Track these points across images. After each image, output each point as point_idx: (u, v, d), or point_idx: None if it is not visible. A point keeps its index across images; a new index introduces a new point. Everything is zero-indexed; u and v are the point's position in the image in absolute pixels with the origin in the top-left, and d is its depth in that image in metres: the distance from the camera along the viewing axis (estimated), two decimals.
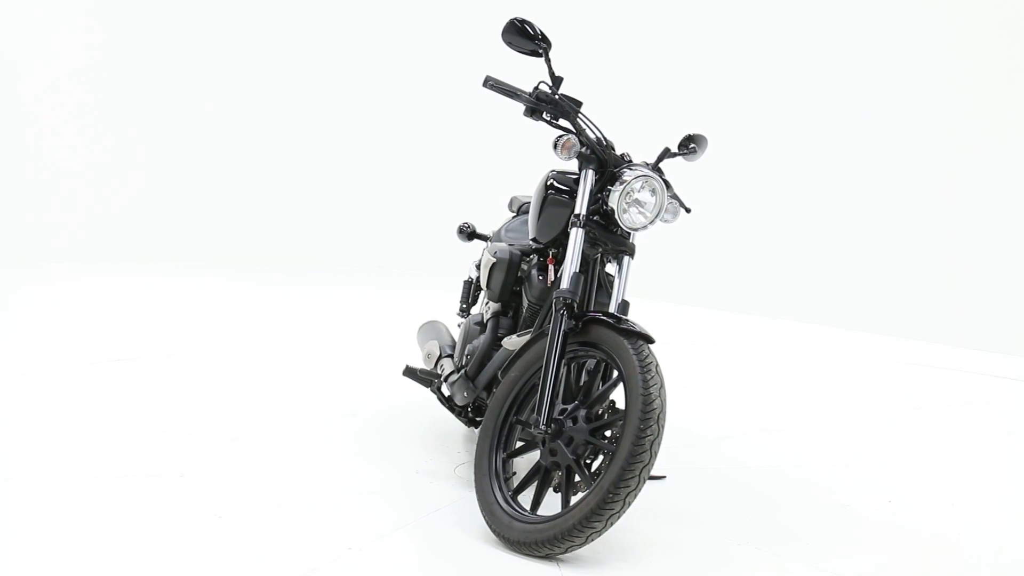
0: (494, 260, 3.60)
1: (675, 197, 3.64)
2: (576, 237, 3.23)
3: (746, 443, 4.40)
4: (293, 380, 5.02)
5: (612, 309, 3.28)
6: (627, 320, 3.08)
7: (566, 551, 2.88)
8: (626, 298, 3.33)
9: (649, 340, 3.01)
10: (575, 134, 3.32)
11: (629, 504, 2.84)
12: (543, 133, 7.60)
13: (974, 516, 3.62)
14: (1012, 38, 7.17)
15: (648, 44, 8.72)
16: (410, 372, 3.83)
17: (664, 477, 3.86)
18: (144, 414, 4.15)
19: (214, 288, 7.68)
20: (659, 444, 2.89)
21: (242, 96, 9.08)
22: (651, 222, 3.28)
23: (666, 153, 3.45)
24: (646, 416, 2.85)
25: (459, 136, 9.49)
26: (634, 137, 5.57)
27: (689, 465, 4.01)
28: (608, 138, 3.48)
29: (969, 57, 7.43)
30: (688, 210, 3.68)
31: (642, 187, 3.26)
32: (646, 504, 3.48)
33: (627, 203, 3.25)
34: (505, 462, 3.19)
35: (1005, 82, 7.23)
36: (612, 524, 2.86)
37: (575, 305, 3.15)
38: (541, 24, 3.48)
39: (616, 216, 3.22)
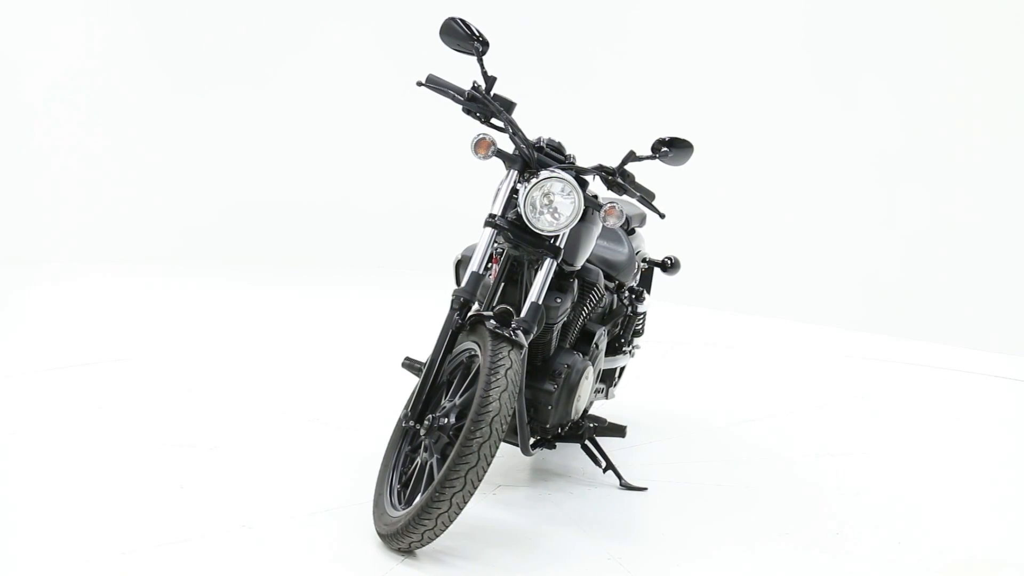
0: (459, 258, 3.69)
1: (643, 201, 3.58)
2: (484, 236, 3.30)
3: (806, 464, 4.40)
4: (297, 377, 5.30)
5: (523, 311, 3.29)
6: (505, 322, 3.10)
7: (409, 547, 3.01)
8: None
9: (515, 344, 3.02)
10: (511, 135, 3.37)
11: (458, 505, 2.91)
12: (542, 132, 7.41)
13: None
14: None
15: (652, 40, 8.65)
16: (404, 362, 3.99)
17: (645, 489, 3.79)
18: (146, 413, 4.47)
19: (215, 288, 7.89)
20: (493, 448, 2.91)
21: (242, 96, 9.28)
22: (566, 225, 3.26)
23: (631, 156, 3.44)
24: (478, 418, 2.91)
25: (459, 135, 9.23)
26: (639, 136, 5.33)
27: (711, 481, 4.08)
28: (555, 140, 3.48)
29: (964, 58, 7.37)
30: (662, 215, 3.62)
31: (563, 191, 3.25)
32: (577, 510, 3.64)
33: (542, 204, 3.26)
34: (408, 456, 3.29)
35: (1007, 81, 7.16)
36: (445, 524, 2.94)
37: (469, 303, 3.21)
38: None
39: (524, 217, 3.23)
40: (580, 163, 3.56)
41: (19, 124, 8.35)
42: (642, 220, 4.66)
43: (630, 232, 4.56)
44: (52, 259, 8.20)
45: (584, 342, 3.99)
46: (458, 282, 3.82)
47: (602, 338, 4.06)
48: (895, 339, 7.31)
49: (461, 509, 2.99)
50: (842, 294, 7.83)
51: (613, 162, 3.59)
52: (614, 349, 4.43)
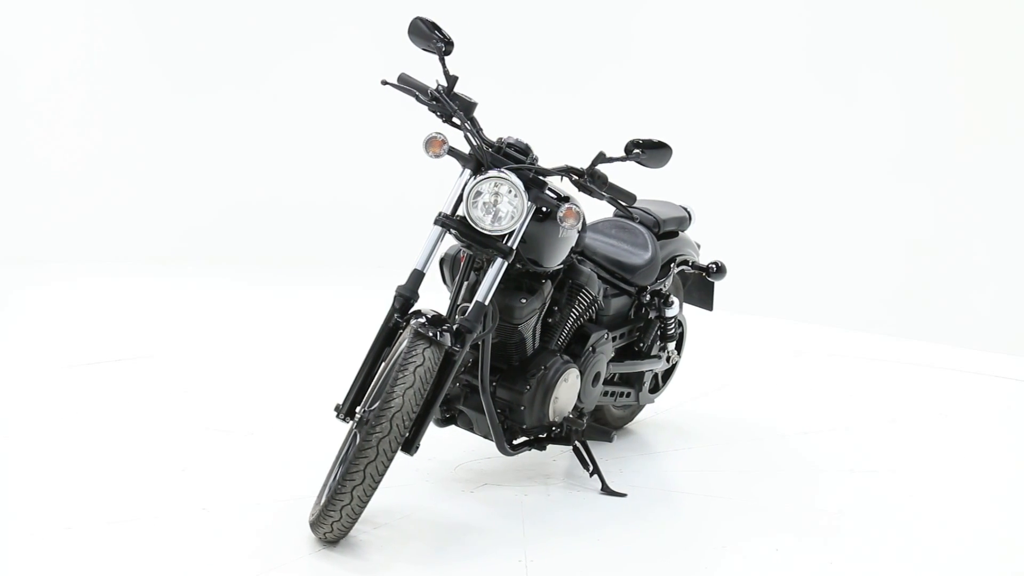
0: (443, 256, 3.73)
1: (614, 203, 3.55)
2: (430, 234, 3.35)
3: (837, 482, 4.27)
4: (299, 376, 5.39)
5: (467, 310, 3.34)
6: (438, 321, 3.20)
7: (324, 536, 3.16)
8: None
9: (433, 343, 3.07)
10: (465, 134, 3.42)
11: (360, 498, 3.02)
12: (542, 131, 7.38)
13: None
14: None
15: (656, 42, 8.47)
16: None
17: (624, 495, 3.75)
18: (147, 413, 4.63)
19: (215, 288, 7.90)
20: (393, 443, 2.97)
21: (242, 97, 9.27)
22: (508, 226, 3.27)
23: (601, 158, 3.42)
24: (379, 414, 2.99)
25: (459, 135, 8.78)
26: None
27: (711, 493, 4.03)
28: (521, 141, 3.49)
29: (967, 59, 7.19)
30: (634, 219, 3.56)
31: (508, 191, 3.28)
32: (535, 512, 3.69)
33: (485, 204, 3.29)
34: None
35: (1010, 82, 7.03)
36: (350, 516, 3.06)
37: (410, 300, 3.28)
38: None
39: (467, 216, 3.28)
40: (550, 164, 3.52)
41: (19, 124, 8.45)
42: (680, 223, 4.53)
43: (667, 235, 4.46)
44: (52, 259, 8.30)
45: (579, 344, 3.93)
46: (444, 279, 3.85)
47: (602, 341, 4.01)
48: (965, 349, 6.86)
49: (364, 502, 3.05)
50: (863, 296, 7.65)
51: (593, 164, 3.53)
52: (635, 353, 4.34)
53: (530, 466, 4.15)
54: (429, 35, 3.56)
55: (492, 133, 3.63)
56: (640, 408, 4.79)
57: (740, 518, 3.74)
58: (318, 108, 9.27)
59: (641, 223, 4.43)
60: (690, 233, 4.77)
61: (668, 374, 4.78)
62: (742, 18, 8.06)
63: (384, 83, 3.59)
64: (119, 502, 3.49)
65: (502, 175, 3.34)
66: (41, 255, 8.30)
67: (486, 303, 3.39)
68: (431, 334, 3.15)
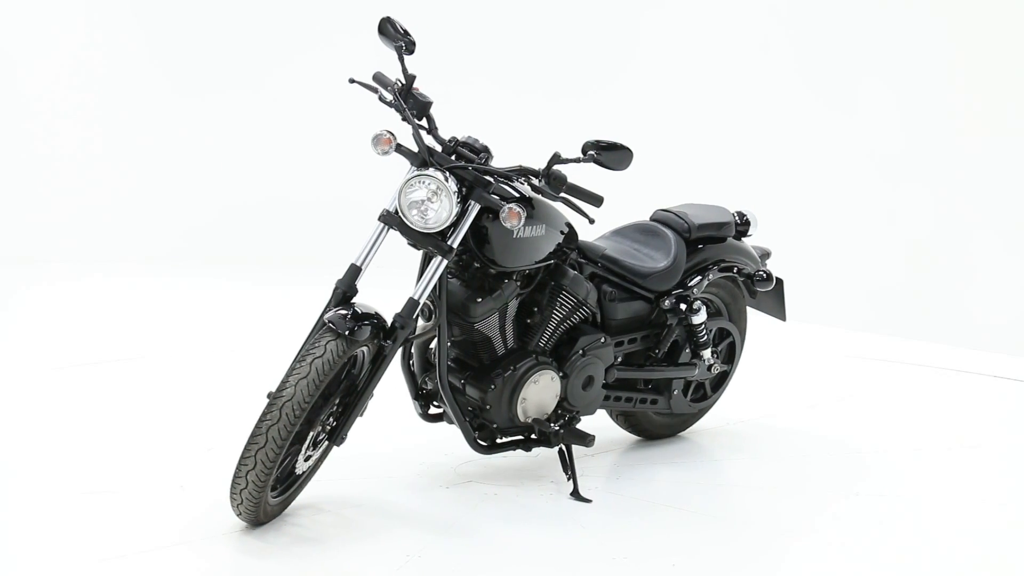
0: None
1: (569, 204, 3.55)
2: (373, 231, 3.46)
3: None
4: None
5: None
6: (352, 313, 3.32)
7: (239, 517, 3.25)
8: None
9: (339, 337, 3.19)
10: (413, 132, 3.52)
11: (255, 483, 3.20)
12: (541, 131, 6.83)
13: None
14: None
15: (657, 46, 8.47)
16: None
17: (590, 501, 3.75)
18: (144, 413, 4.72)
19: (216, 288, 7.93)
20: (282, 431, 3.12)
21: (242, 97, 9.26)
22: (436, 224, 3.33)
23: (556, 159, 3.42)
24: (272, 401, 3.14)
25: (458, 134, 8.14)
26: (638, 141, 4.97)
27: (699, 509, 3.90)
28: (478, 141, 3.59)
29: (964, 58, 7.25)
30: (592, 221, 3.58)
31: (437, 189, 3.35)
32: (485, 511, 3.70)
33: (415, 202, 3.39)
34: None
35: (1008, 81, 7.10)
36: (249, 498, 3.29)
37: (347, 294, 3.41)
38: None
39: (400, 212, 3.38)
40: (505, 165, 3.55)
41: (19, 124, 8.59)
42: (720, 228, 4.36)
43: (706, 240, 4.30)
44: (52, 259, 8.40)
45: (567, 346, 3.89)
46: None
47: (595, 345, 3.96)
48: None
49: (260, 486, 3.18)
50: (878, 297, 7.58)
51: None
52: (654, 360, 4.22)
53: (534, 467, 4.12)
54: (394, 35, 3.65)
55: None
56: (693, 418, 4.63)
57: (690, 533, 3.63)
58: (318, 109, 9.19)
59: (672, 228, 4.30)
60: (751, 240, 4.59)
61: (719, 384, 4.59)
62: (742, 20, 7.99)
63: (351, 81, 3.70)
64: (111, 475, 3.76)
65: (428, 173, 3.38)
66: (41, 255, 8.43)
67: (420, 300, 3.44)
68: (342, 328, 3.22)
